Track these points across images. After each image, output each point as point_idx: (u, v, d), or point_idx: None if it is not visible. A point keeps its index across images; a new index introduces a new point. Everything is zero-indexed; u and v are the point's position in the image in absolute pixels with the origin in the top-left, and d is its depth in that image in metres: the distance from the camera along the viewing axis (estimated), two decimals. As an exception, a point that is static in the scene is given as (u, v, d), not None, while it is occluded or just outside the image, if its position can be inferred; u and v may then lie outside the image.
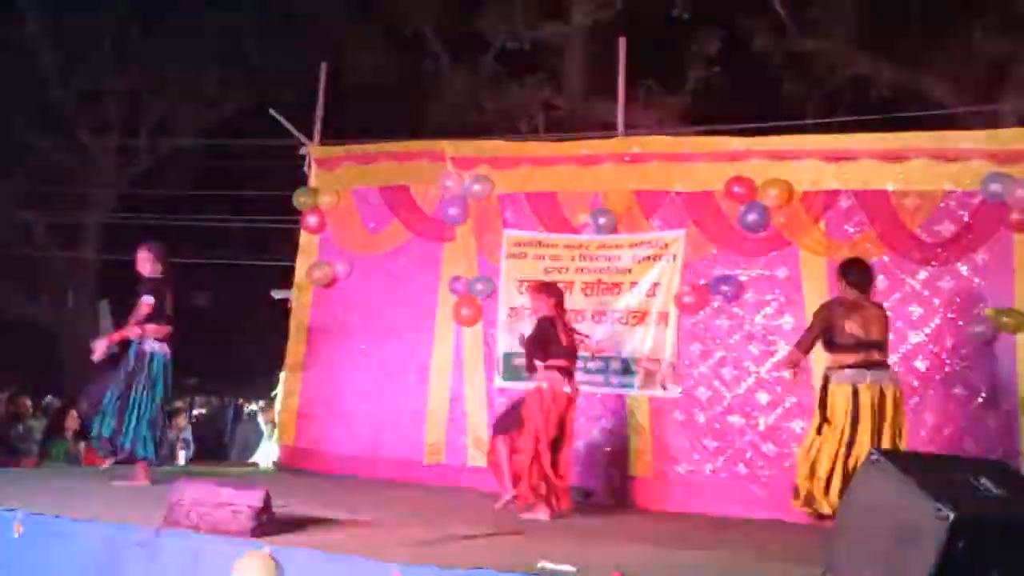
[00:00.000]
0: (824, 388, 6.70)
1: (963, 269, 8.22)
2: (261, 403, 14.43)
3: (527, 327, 8.15)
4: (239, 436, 13.49)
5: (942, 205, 8.37)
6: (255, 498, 5.22)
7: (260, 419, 13.41)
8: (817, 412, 6.69)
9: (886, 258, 8.43)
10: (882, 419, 6.48)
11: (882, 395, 6.52)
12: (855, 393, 6.50)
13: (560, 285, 8.37)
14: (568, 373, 7.47)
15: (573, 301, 9.14)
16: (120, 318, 8.59)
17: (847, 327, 6.63)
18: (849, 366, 6.59)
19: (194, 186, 16.07)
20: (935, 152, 8.45)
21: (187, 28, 17.50)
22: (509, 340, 9.30)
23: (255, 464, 11.86)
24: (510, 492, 7.41)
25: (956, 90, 13.16)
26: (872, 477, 4.46)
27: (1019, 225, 8.08)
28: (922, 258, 8.32)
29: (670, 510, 8.44)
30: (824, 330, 6.76)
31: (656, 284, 9.09)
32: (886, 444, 6.38)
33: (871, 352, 6.62)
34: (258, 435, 13.14)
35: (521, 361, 8.24)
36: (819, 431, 6.56)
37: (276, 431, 10.83)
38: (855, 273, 6.92)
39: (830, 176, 8.71)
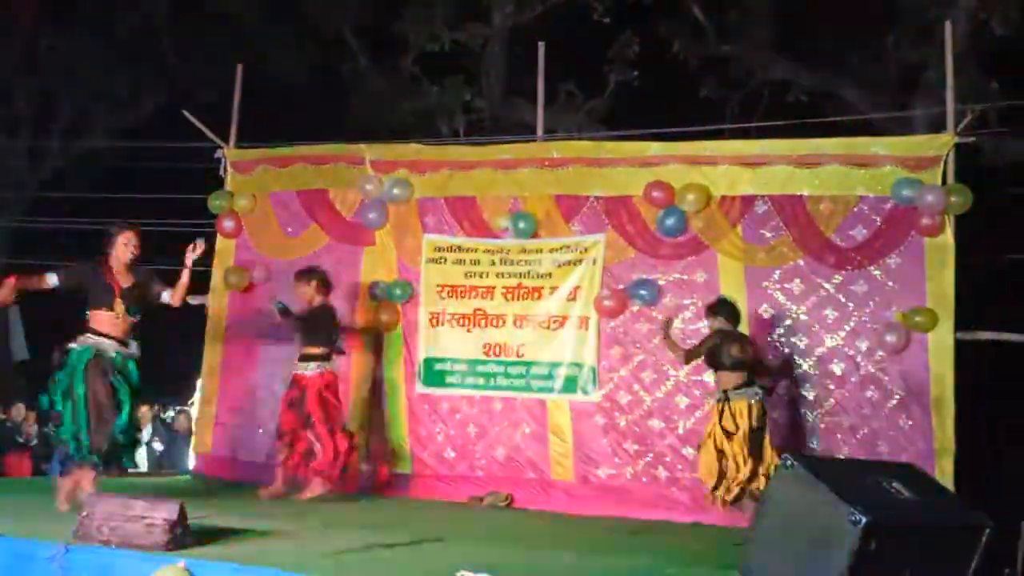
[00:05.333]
0: (725, 403, 7.66)
1: (876, 273, 8.38)
2: (171, 410, 14.16)
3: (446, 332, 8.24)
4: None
5: (856, 210, 8.54)
6: (169, 510, 5.08)
7: (174, 427, 13.14)
8: (717, 425, 7.63)
9: (801, 262, 8.59)
10: (757, 429, 7.60)
11: (761, 409, 7.67)
12: (750, 407, 7.59)
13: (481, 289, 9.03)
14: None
15: (494, 306, 9.16)
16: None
17: (732, 351, 7.69)
18: (742, 384, 7.65)
19: (107, 189, 15.69)
20: (848, 158, 8.61)
21: (100, 26, 17.09)
22: (429, 346, 9.33)
23: (173, 473, 11.60)
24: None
25: (871, 95, 13.40)
26: (786, 482, 4.52)
27: (929, 230, 8.27)
28: (836, 262, 8.47)
29: (591, 514, 8.44)
30: (710, 352, 7.82)
31: (577, 288, 9.12)
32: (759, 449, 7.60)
33: (751, 372, 7.73)
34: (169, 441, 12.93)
35: (443, 367, 8.30)
36: (728, 438, 7.56)
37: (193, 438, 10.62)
38: (728, 310, 7.93)
39: (746, 181, 8.82)
